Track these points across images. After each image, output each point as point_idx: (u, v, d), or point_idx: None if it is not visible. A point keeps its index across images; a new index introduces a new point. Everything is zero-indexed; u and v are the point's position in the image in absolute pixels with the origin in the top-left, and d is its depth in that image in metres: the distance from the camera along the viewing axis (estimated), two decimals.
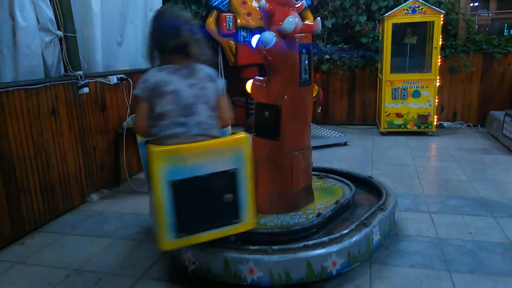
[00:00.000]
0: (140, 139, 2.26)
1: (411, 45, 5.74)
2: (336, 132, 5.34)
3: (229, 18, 5.10)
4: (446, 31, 5.76)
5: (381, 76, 5.66)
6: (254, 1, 5.16)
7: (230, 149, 1.97)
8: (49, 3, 3.24)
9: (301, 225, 2.32)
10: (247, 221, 2.07)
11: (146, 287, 2.26)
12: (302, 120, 2.54)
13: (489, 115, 5.62)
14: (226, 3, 5.13)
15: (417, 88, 5.39)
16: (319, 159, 4.51)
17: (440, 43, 5.28)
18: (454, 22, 5.88)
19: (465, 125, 6.01)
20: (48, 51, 3.31)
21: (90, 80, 3.57)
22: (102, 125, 3.78)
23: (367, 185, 3.05)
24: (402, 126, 5.55)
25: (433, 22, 5.25)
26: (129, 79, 3.98)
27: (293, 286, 2.07)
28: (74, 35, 3.46)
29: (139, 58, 4.48)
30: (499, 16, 18.77)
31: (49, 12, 3.23)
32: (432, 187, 3.59)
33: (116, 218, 3.21)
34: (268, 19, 2.44)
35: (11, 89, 2.82)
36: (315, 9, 6.01)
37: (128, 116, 3.94)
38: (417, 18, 5.26)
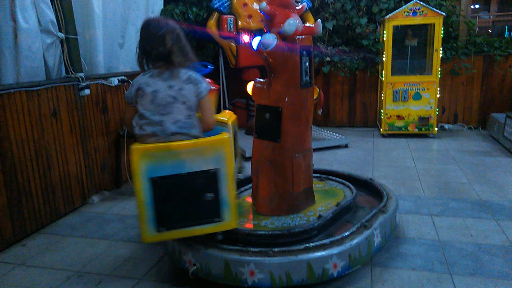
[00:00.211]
0: None
1: (412, 47, 5.74)
2: (337, 134, 5.34)
3: (230, 20, 5.11)
4: (447, 33, 5.77)
5: (382, 78, 5.66)
6: (255, 3, 5.17)
7: (210, 149, 2.04)
8: (51, 5, 3.25)
9: (302, 227, 2.32)
10: (229, 221, 2.12)
11: None
12: (303, 122, 2.54)
13: (490, 117, 5.61)
14: (227, 5, 5.14)
15: (418, 90, 5.39)
16: (320, 161, 4.51)
17: (441, 45, 5.28)
18: (455, 24, 5.89)
19: (466, 127, 6.01)
20: (50, 53, 3.32)
21: (91, 82, 3.58)
22: (103, 127, 3.78)
23: (368, 187, 3.05)
24: (403, 128, 5.54)
25: (434, 24, 5.26)
26: (130, 81, 3.98)
27: None
28: (76, 37, 3.47)
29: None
30: (500, 18, 18.79)
31: (50, 14, 3.24)
32: (433, 190, 3.58)
33: (117, 220, 3.21)
34: (269, 21, 2.45)
35: (12, 90, 2.83)
36: (316, 11, 6.02)
37: None
38: (418, 20, 5.26)
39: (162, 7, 5.08)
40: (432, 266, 2.34)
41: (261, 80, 2.61)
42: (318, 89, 4.76)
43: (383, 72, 5.50)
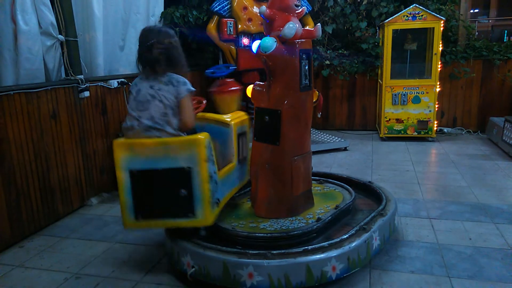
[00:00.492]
0: None
1: (411, 51, 5.76)
2: (336, 137, 5.35)
3: (230, 23, 5.12)
4: (446, 37, 5.79)
5: (381, 82, 5.68)
6: (255, 7, 5.18)
7: (183, 149, 2.15)
8: (51, 7, 3.26)
9: (301, 230, 2.32)
10: (203, 218, 2.20)
11: None
12: (302, 125, 2.55)
13: (489, 121, 5.62)
14: (227, 8, 5.15)
15: (417, 94, 5.40)
16: (319, 164, 4.52)
17: (440, 49, 5.30)
18: (454, 29, 5.91)
19: (465, 131, 6.02)
20: (49, 55, 3.32)
21: (90, 84, 3.58)
22: (102, 129, 3.78)
23: (367, 190, 3.05)
24: (402, 132, 5.55)
25: (433, 28, 5.28)
26: (129, 83, 3.98)
27: None
28: (76, 39, 3.47)
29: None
30: (499, 23, 18.83)
31: (50, 16, 3.24)
32: (432, 193, 3.59)
33: (115, 222, 3.20)
34: (269, 25, 2.46)
35: (12, 92, 2.83)
36: (315, 15, 6.04)
37: None
38: (417, 24, 5.28)
39: (162, 10, 5.09)
40: (431, 269, 2.34)
41: (261, 83, 2.62)
42: (317, 92, 4.77)
43: (383, 75, 5.51)
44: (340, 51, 6.11)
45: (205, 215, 2.19)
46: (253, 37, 5.17)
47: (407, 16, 5.25)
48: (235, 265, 2.07)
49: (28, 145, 2.97)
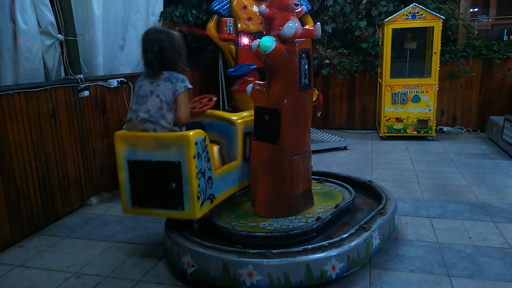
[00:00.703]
0: None
1: (411, 50, 5.76)
2: (336, 137, 5.35)
3: (230, 22, 5.13)
4: (445, 36, 5.78)
5: (381, 81, 5.67)
6: (254, 6, 5.18)
7: (173, 143, 2.24)
8: (50, 7, 3.25)
9: (301, 229, 2.32)
10: (190, 212, 2.27)
11: None
12: (302, 124, 2.55)
13: (489, 120, 5.62)
14: (227, 7, 5.15)
15: (417, 93, 5.40)
16: (319, 163, 4.52)
17: (440, 48, 5.30)
18: (453, 28, 5.91)
19: (465, 130, 6.02)
20: (49, 54, 3.32)
21: (90, 84, 3.58)
22: (102, 129, 3.78)
23: (366, 190, 3.05)
24: (402, 131, 5.55)
25: (433, 27, 5.28)
26: (129, 82, 3.98)
27: None
28: (75, 38, 3.47)
29: (141, 62, 4.49)
30: (498, 22, 18.82)
31: (50, 16, 3.24)
32: (431, 192, 3.59)
33: (115, 222, 3.21)
34: (268, 24, 2.45)
35: (11, 92, 2.83)
36: (315, 14, 6.04)
37: None
38: (417, 23, 5.28)
39: (162, 9, 5.09)
40: (430, 268, 2.34)
41: (260, 82, 2.62)
42: (317, 91, 4.77)
43: (382, 74, 5.51)
44: (340, 50, 6.11)
45: (192, 209, 2.25)
46: (252, 36, 5.17)
47: (406, 15, 5.24)
48: (235, 264, 2.07)
49: (28, 145, 2.97)
